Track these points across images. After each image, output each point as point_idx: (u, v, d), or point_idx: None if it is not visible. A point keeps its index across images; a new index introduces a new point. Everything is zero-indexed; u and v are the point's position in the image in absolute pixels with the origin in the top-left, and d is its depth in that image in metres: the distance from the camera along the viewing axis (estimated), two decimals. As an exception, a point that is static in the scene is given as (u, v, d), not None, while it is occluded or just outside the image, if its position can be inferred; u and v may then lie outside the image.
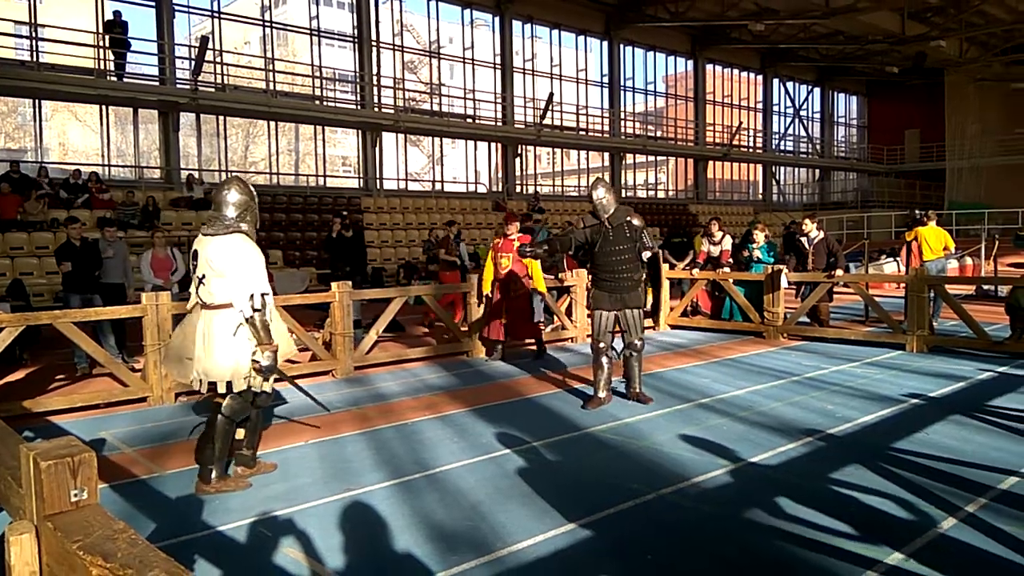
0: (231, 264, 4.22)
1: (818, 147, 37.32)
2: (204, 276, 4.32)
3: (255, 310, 4.17)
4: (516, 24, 25.56)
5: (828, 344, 9.42)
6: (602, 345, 6.37)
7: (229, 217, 4.37)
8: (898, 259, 14.14)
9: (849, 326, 10.77)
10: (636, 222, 6.22)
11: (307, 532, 3.77)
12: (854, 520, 3.77)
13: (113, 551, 1.25)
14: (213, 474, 4.38)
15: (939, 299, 9.81)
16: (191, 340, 4.37)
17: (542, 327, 9.22)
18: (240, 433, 4.57)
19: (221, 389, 4.32)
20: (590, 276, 6.59)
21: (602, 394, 6.39)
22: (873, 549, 3.42)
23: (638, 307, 6.34)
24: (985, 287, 13.92)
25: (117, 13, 17.66)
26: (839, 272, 9.73)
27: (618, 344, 6.63)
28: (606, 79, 28.43)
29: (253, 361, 4.24)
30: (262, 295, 4.21)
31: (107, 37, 17.54)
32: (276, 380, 4.59)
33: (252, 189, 4.56)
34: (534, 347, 9.12)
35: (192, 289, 4.50)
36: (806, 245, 10.28)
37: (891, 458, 4.77)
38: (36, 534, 1.46)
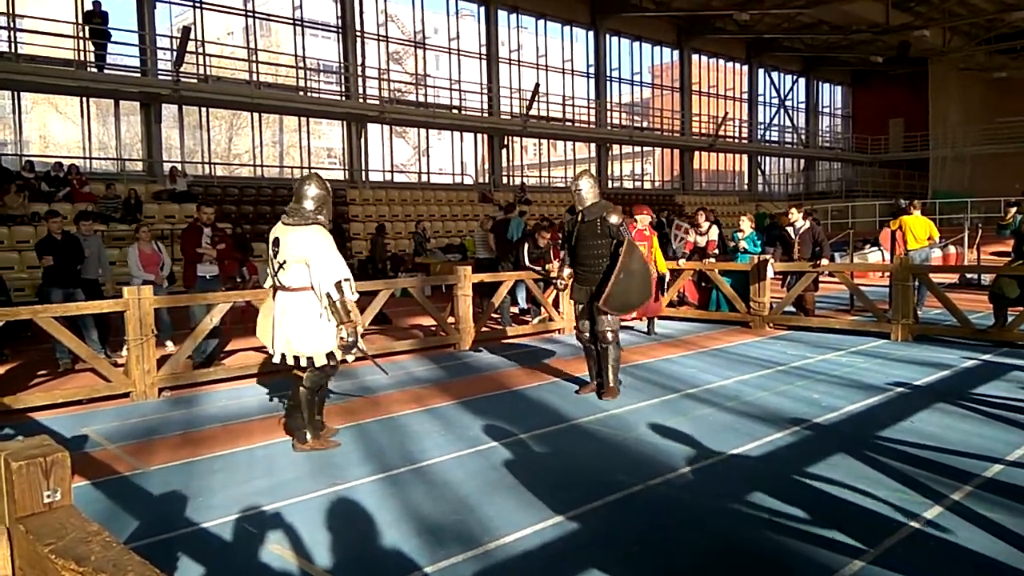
0: (313, 252, 4.64)
1: (803, 137, 37.48)
2: (285, 262, 4.77)
3: (340, 294, 4.60)
4: (502, 14, 25.44)
5: (813, 333, 9.46)
6: (586, 335, 6.41)
7: (308, 210, 4.80)
8: (880, 247, 14.23)
9: (834, 315, 10.83)
10: (613, 219, 6.20)
11: (293, 528, 3.74)
12: (841, 510, 3.78)
13: (87, 554, 1.21)
14: (308, 436, 4.95)
15: (923, 288, 9.89)
16: (282, 315, 4.84)
17: (528, 319, 9.27)
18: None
19: (303, 364, 4.78)
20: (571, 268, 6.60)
21: (592, 382, 6.46)
22: (860, 539, 3.42)
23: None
24: (968, 276, 14.03)
25: (97, 3, 17.40)
26: (824, 261, 9.75)
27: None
28: (592, 70, 28.37)
29: (340, 338, 4.70)
30: (344, 280, 4.65)
31: (87, 28, 17.30)
32: (356, 356, 5.04)
33: (328, 185, 5.01)
34: (518, 340, 9.10)
35: (269, 272, 4.99)
36: (792, 235, 10.30)
37: (877, 447, 4.79)
38: (8, 537, 1.42)
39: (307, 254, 4.65)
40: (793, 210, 10.66)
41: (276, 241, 4.86)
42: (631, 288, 6.14)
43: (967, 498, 3.89)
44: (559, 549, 3.45)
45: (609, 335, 6.25)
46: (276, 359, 4.93)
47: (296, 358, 4.80)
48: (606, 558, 3.32)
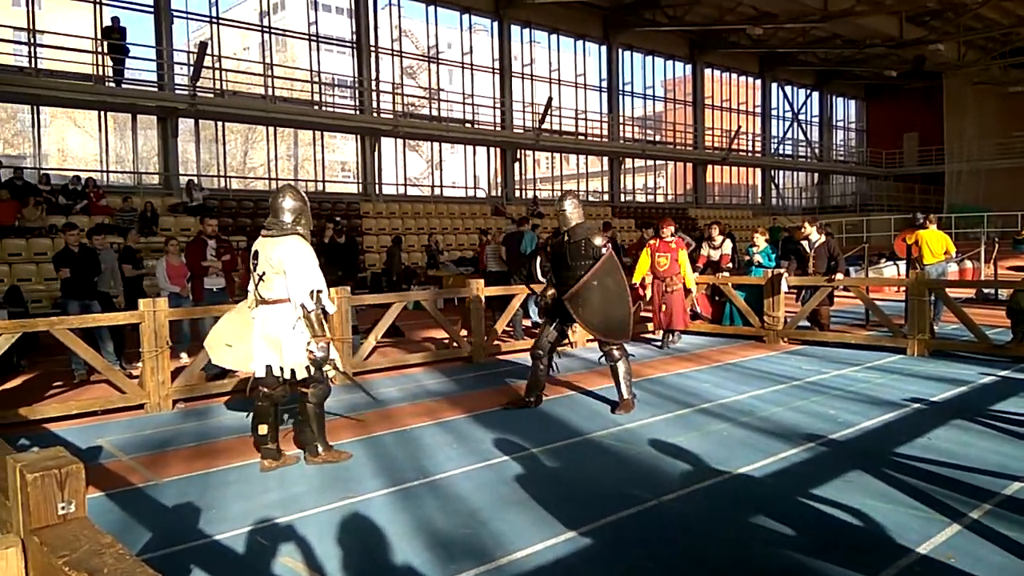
0: (289, 263, 4.64)
1: (817, 151, 37.35)
2: (264, 273, 4.79)
3: (313, 306, 4.60)
4: (515, 29, 25.58)
5: (829, 348, 9.38)
6: (543, 348, 6.49)
7: (286, 221, 4.82)
8: (895, 260, 14.11)
9: (850, 330, 10.73)
10: (597, 240, 6.29)
11: (305, 541, 3.73)
12: (857, 528, 3.74)
13: (100, 566, 1.21)
14: (320, 449, 4.98)
15: (940, 303, 9.79)
16: (237, 329, 4.95)
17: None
18: (263, 429, 4.90)
19: (285, 375, 4.81)
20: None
21: (528, 399, 6.53)
22: (876, 558, 3.38)
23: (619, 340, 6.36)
24: (985, 290, 13.89)
25: (115, 19, 17.65)
26: (839, 276, 9.68)
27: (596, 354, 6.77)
28: (605, 83, 28.44)
29: (308, 351, 4.67)
30: (318, 292, 4.64)
31: (105, 43, 17.54)
32: (335, 375, 5.15)
33: (304, 195, 5.02)
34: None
35: (251, 286, 4.99)
36: (807, 249, 10.22)
37: (893, 463, 4.73)
38: (23, 548, 1.42)
39: (285, 265, 4.65)
40: (807, 224, 10.59)
41: (256, 254, 4.90)
42: (608, 303, 6.23)
43: (986, 516, 3.83)
44: (571, 565, 3.42)
45: (615, 352, 6.27)
46: (260, 372, 4.88)
47: (282, 369, 4.81)
48: (619, 574, 3.29)
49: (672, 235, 9.77)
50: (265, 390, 4.91)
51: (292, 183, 5.64)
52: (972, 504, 3.98)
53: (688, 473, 4.64)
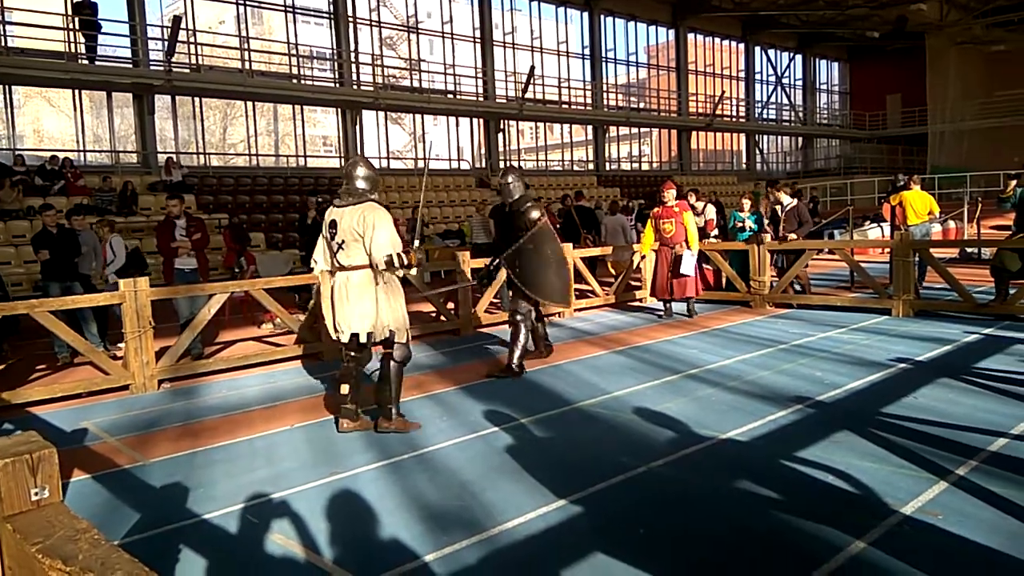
0: (368, 227, 4.82)
1: (800, 115, 37.26)
2: (343, 241, 4.94)
3: (395, 266, 4.83)
4: (495, -3, 25.22)
5: (815, 311, 9.42)
6: (518, 316, 6.68)
7: (361, 188, 5.03)
8: (880, 224, 14.18)
9: (835, 292, 10.79)
10: (534, 214, 6.60)
11: (296, 517, 3.72)
12: (846, 488, 3.76)
13: (74, 553, 1.18)
14: (394, 413, 5.05)
15: (924, 263, 9.84)
16: (346, 296, 4.99)
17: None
18: (345, 388, 5.09)
19: (363, 339, 4.97)
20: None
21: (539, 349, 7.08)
22: (865, 516, 3.40)
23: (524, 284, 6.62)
24: (969, 250, 13.98)
25: (86, -6, 17.22)
26: (792, 236, 9.73)
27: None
28: (587, 51, 28.15)
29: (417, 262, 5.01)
30: (397, 254, 4.83)
31: (76, 20, 17.13)
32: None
33: (374, 166, 5.27)
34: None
35: (322, 256, 5.17)
36: (779, 213, 10.35)
37: (880, 423, 4.76)
38: (-3, 535, 1.38)
39: (364, 229, 4.83)
40: (782, 191, 10.71)
41: (333, 223, 5.03)
42: (545, 268, 6.60)
43: (973, 472, 3.86)
44: (563, 533, 3.42)
45: (518, 316, 6.62)
46: (344, 338, 5.02)
47: (355, 335, 4.97)
48: (610, 541, 3.30)
49: (675, 198, 9.41)
50: (352, 354, 5.08)
51: (362, 155, 5.86)
52: (958, 461, 4.02)
53: (676, 439, 4.65)
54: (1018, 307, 8.20)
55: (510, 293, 7.06)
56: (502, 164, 25.43)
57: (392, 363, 5.11)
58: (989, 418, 4.74)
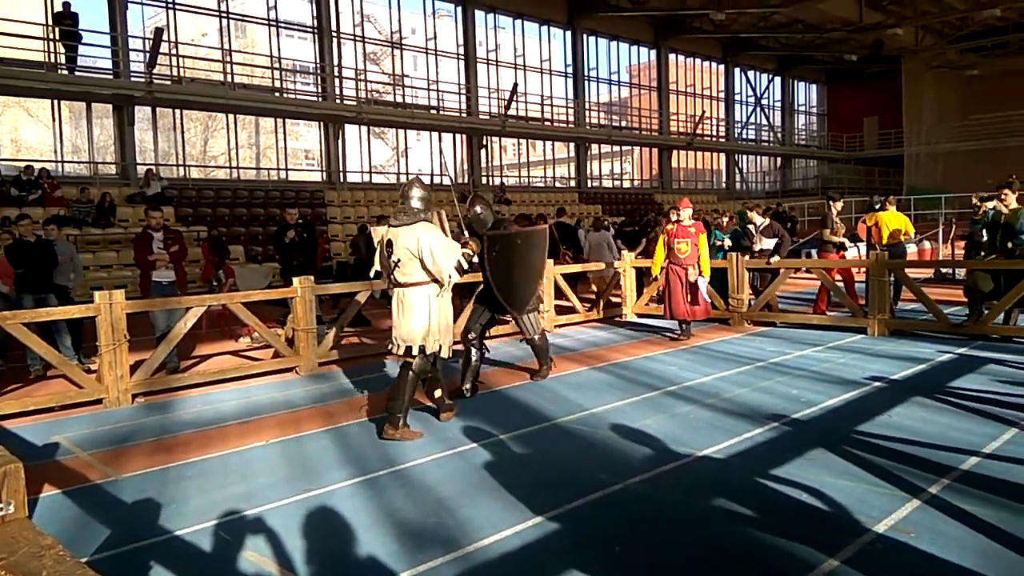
0: (426, 246, 5.09)
1: (779, 135, 37.75)
2: (399, 260, 5.19)
3: (466, 269, 5.29)
4: (479, 14, 25.38)
5: (792, 329, 9.51)
6: (471, 336, 6.65)
7: (417, 208, 5.27)
8: (856, 244, 14.36)
9: (812, 311, 10.88)
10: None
11: (269, 534, 3.67)
12: (820, 506, 3.78)
13: (38, 570, 1.16)
14: (401, 422, 5.17)
15: (899, 283, 9.98)
16: (398, 310, 5.31)
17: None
18: (437, 392, 5.58)
19: (415, 352, 5.22)
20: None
21: (463, 386, 6.54)
22: (838, 534, 3.42)
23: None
24: (943, 270, 14.17)
25: (67, 4, 17.12)
26: (776, 259, 9.84)
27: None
28: (570, 69, 28.38)
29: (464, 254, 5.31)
30: (462, 255, 5.24)
31: (57, 30, 17.01)
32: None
33: (429, 187, 5.50)
34: (497, 340, 9.05)
35: (381, 272, 5.44)
36: (753, 232, 10.47)
37: (855, 441, 4.81)
38: (-40, 552, 1.36)
39: (421, 249, 5.09)
40: (755, 211, 10.89)
41: (389, 243, 5.26)
42: (523, 273, 6.66)
43: (945, 491, 3.90)
44: (539, 550, 3.41)
45: (536, 339, 6.98)
46: (400, 351, 5.31)
47: (408, 347, 5.24)
48: (587, 558, 3.29)
49: (691, 218, 8.91)
50: (408, 359, 5.32)
51: (419, 177, 5.97)
52: (931, 479, 4.06)
53: (653, 456, 4.66)
54: (991, 327, 8.33)
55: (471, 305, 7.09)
56: (484, 180, 25.51)
57: (410, 373, 5.28)
58: (962, 437, 4.80)
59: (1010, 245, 8.46)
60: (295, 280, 7.87)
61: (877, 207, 11.44)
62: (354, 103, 22.01)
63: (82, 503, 4.18)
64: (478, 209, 6.60)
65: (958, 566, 3.09)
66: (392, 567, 3.27)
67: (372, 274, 5.62)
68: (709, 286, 10.26)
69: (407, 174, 26.43)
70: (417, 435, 5.23)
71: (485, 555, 3.36)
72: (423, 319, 5.22)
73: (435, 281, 5.24)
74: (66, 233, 9.25)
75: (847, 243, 10.61)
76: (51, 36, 17.08)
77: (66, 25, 17.04)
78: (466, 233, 5.76)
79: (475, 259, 5.69)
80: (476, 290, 7.18)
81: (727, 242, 10.91)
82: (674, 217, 9.21)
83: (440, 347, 5.33)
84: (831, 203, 10.54)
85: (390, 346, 5.44)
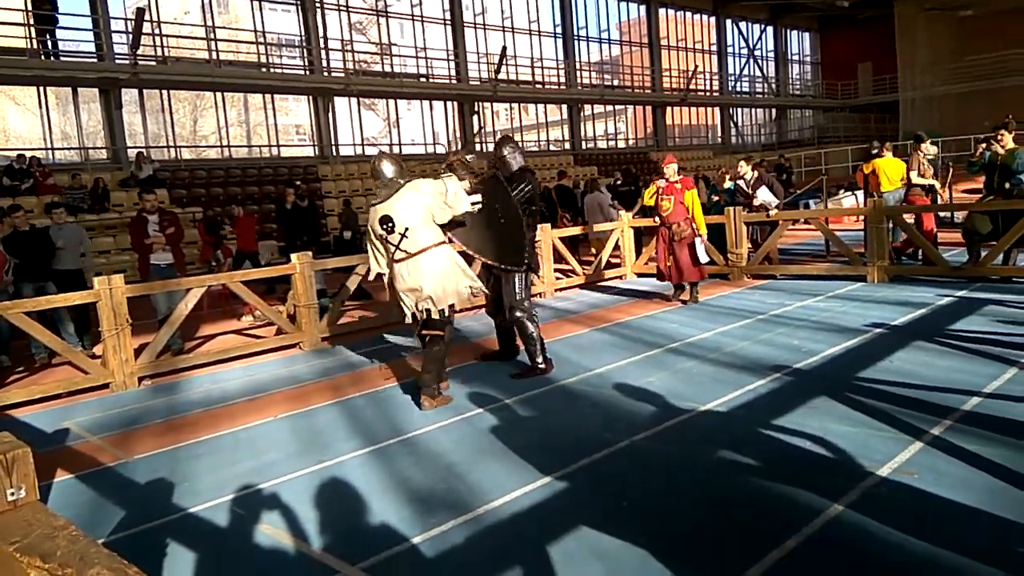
0: (434, 194, 5.13)
1: (773, 86, 37.37)
2: (407, 228, 5.08)
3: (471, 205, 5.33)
4: (463, -23, 24.98)
5: (791, 281, 9.52)
6: (526, 306, 6.00)
7: (394, 177, 5.24)
8: (856, 192, 14.32)
9: (811, 262, 10.90)
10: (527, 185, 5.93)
11: (283, 507, 3.73)
12: (824, 452, 3.83)
13: (52, 550, 1.18)
14: (437, 392, 5.24)
15: (898, 229, 9.96)
16: (415, 279, 5.16)
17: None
18: (431, 368, 5.27)
19: (435, 315, 5.18)
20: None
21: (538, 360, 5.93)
22: (842, 478, 3.47)
23: (517, 268, 5.87)
24: (942, 214, 14.13)
25: (46, -12, 16.84)
26: (774, 211, 9.79)
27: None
28: (559, 29, 28.00)
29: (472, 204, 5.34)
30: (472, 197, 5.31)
31: (36, 15, 16.75)
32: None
33: (397, 156, 5.60)
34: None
35: (375, 257, 5.43)
36: (744, 187, 10.44)
37: (857, 388, 4.84)
38: (-25, 537, 1.38)
39: (427, 202, 5.10)
40: (742, 163, 10.82)
41: (386, 218, 5.11)
42: (498, 229, 5.86)
43: (948, 432, 3.94)
44: (548, 509, 3.46)
45: (517, 313, 5.85)
46: (435, 314, 5.20)
47: (441, 311, 5.21)
48: (595, 515, 3.34)
49: (676, 173, 8.53)
50: (435, 332, 5.26)
51: (381, 152, 5.69)
52: (933, 421, 4.10)
53: (658, 412, 4.70)
54: (989, 268, 8.33)
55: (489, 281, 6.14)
56: (478, 147, 25.32)
57: (441, 344, 5.28)
58: (963, 378, 4.83)
59: (1007, 186, 8.43)
60: (293, 256, 7.87)
61: (875, 153, 11.38)
62: (342, 75, 21.77)
63: (95, 486, 4.24)
64: (506, 151, 6.07)
65: (961, 504, 3.13)
66: (404, 532, 3.32)
67: (374, 269, 5.56)
68: (708, 242, 10.28)
69: (399, 145, 26.26)
70: (450, 399, 5.31)
71: (495, 516, 3.41)
72: (450, 279, 5.21)
73: (446, 240, 5.26)
74: (68, 218, 9.18)
75: (937, 185, 10.34)
76: (30, 22, 16.82)
77: (45, 10, 16.77)
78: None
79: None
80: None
81: (725, 199, 10.88)
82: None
83: (451, 308, 5.35)
84: (919, 144, 10.33)
85: (406, 319, 5.37)
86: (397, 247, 5.15)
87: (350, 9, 23.57)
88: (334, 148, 21.91)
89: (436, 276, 5.15)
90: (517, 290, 5.88)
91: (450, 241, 5.48)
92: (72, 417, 5.79)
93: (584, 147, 28.90)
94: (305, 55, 21.91)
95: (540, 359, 5.89)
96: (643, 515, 3.34)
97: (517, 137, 30.35)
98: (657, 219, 8.72)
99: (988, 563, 2.68)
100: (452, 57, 24.66)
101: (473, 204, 5.35)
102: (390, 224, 5.11)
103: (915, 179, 10.10)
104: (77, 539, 1.22)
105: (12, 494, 1.37)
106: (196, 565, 3.22)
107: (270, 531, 3.47)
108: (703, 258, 8.64)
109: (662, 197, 8.51)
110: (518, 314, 5.86)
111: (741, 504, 3.37)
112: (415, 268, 5.14)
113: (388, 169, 5.26)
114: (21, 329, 6.47)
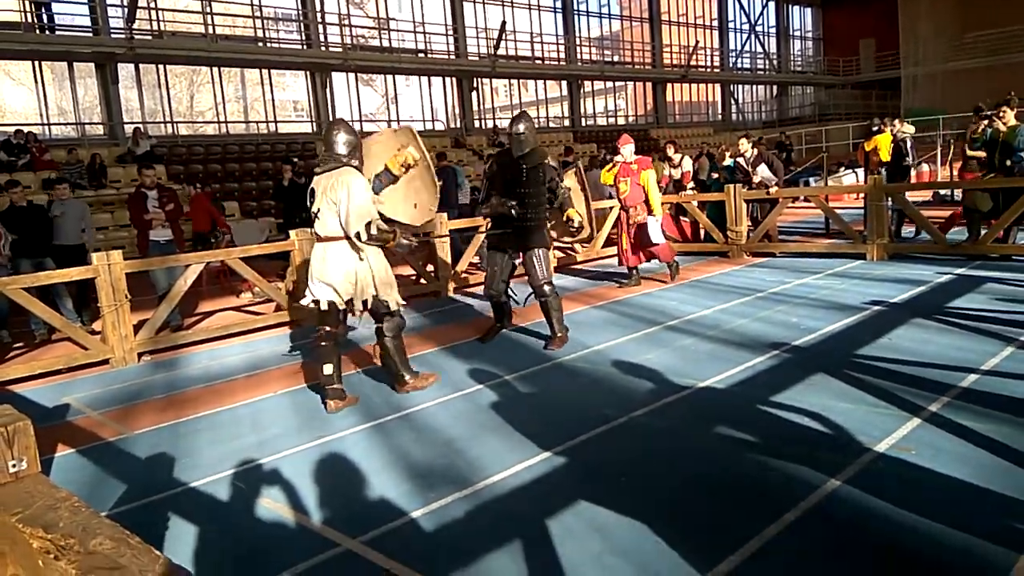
0: (343, 194, 4.55)
1: (775, 63, 37.08)
2: (319, 210, 4.71)
3: (370, 236, 4.58)
4: (463, -50, 24.67)
5: (791, 259, 9.52)
6: (495, 296, 6.27)
7: (341, 154, 4.74)
8: (856, 170, 14.26)
9: (811, 239, 10.89)
10: (551, 163, 6.14)
11: (284, 481, 3.75)
12: (822, 428, 3.85)
13: (55, 521, 1.19)
14: (407, 377, 5.03)
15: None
16: (324, 266, 4.74)
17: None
18: (328, 368, 4.82)
19: (356, 307, 4.79)
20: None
21: (496, 328, 6.46)
22: (840, 454, 3.49)
23: (543, 247, 6.07)
24: (942, 192, 14.10)
25: (39, -39, 16.66)
26: (774, 189, 9.76)
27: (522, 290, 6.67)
28: (559, 4, 27.73)
29: (398, 247, 4.84)
30: (369, 223, 4.56)
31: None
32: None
33: (356, 130, 4.96)
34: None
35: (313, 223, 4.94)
36: (744, 164, 10.39)
37: (856, 365, 4.86)
38: (-23, 509, 1.38)
39: (337, 197, 4.58)
40: (742, 141, 10.74)
41: (312, 192, 4.82)
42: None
43: (945, 408, 3.96)
44: (547, 483, 3.48)
45: (546, 288, 6.00)
46: (324, 306, 4.75)
47: (348, 301, 4.79)
48: (594, 490, 3.36)
49: (633, 154, 8.30)
50: (328, 329, 4.85)
51: (341, 119, 5.26)
52: (931, 398, 4.12)
53: (656, 389, 4.72)
54: (989, 246, 8.32)
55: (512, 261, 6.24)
56: (477, 123, 25.18)
57: (385, 339, 4.96)
58: (961, 355, 4.85)
59: (1008, 163, 8.40)
60: (292, 232, 7.84)
61: (875, 130, 11.33)
62: (340, 50, 21.59)
63: (97, 461, 4.26)
64: (522, 128, 5.90)
65: (958, 480, 3.15)
66: (404, 507, 3.34)
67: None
68: (707, 219, 10.26)
69: (397, 121, 26.09)
70: (433, 377, 5.16)
71: (495, 491, 3.44)
72: (345, 273, 4.70)
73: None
74: (69, 193, 9.08)
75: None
76: (25, -5, 16.66)
77: (40, -17, 16.60)
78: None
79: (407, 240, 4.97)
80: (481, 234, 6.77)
81: (724, 176, 10.83)
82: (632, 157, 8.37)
83: (376, 301, 4.84)
84: (978, 117, 10.06)
85: (311, 304, 4.84)
86: (312, 225, 4.83)
87: (348, -17, 23.32)
88: (332, 124, 21.75)
89: (338, 268, 4.70)
90: (544, 268, 6.06)
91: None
92: (72, 393, 5.81)
93: (584, 124, 28.73)
94: (302, 29, 21.71)
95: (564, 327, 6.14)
96: (642, 490, 3.36)
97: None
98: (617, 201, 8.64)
99: (984, 538, 2.70)
100: (451, 32, 24.43)
101: (365, 233, 4.60)
102: (312, 199, 4.80)
103: (970, 152, 9.82)
104: (79, 510, 1.22)
105: (14, 466, 1.37)
106: (197, 538, 3.24)
107: (271, 505, 3.50)
108: (656, 239, 8.35)
109: (619, 180, 8.34)
110: (547, 289, 6.04)
111: (739, 479, 3.39)
112: (324, 255, 4.74)
113: (340, 145, 4.73)
114: (21, 305, 6.47)
